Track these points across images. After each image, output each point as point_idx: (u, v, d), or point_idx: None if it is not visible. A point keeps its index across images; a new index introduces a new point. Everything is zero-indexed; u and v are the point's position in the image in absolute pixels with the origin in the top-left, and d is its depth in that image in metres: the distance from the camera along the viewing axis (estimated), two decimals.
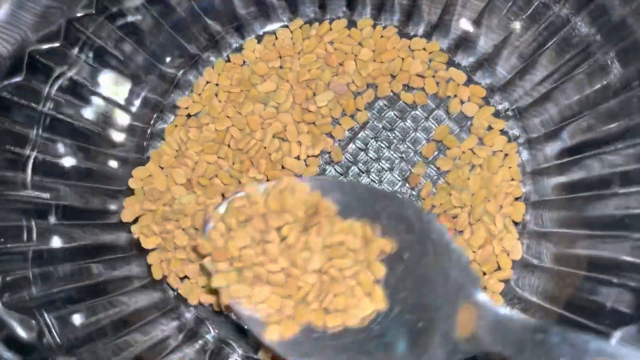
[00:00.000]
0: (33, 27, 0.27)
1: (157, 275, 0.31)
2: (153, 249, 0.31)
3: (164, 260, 0.31)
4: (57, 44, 0.28)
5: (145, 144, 0.34)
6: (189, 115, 0.34)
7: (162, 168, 0.33)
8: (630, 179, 0.27)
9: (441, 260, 0.25)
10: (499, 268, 0.31)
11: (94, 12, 0.28)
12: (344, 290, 0.26)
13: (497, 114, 0.33)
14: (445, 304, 0.24)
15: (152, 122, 0.34)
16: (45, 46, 0.28)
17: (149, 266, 0.31)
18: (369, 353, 0.25)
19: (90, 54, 0.30)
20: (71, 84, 0.30)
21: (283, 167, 0.33)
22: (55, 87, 0.29)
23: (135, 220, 0.32)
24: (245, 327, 0.29)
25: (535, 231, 0.31)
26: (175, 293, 0.32)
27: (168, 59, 0.34)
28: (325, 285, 0.26)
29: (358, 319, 0.26)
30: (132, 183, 0.32)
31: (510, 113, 0.33)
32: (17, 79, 0.27)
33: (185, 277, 0.32)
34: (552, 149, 0.31)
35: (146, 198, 0.32)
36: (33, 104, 0.28)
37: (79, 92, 0.30)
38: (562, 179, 0.31)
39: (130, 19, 0.31)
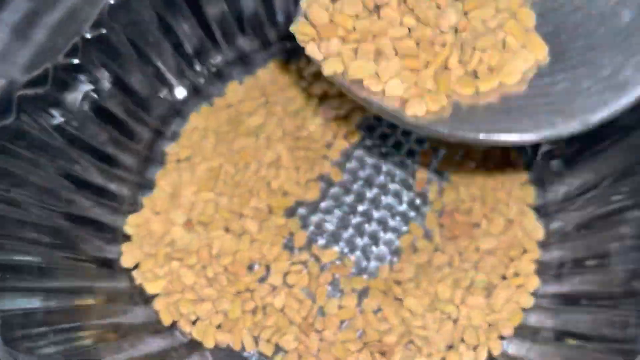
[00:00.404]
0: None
1: (166, 321, 0.28)
2: (158, 294, 0.29)
3: (172, 303, 0.29)
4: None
5: (137, 195, 0.32)
6: (178, 161, 0.33)
7: (157, 213, 0.31)
8: None
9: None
10: (525, 251, 0.30)
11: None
12: (493, 44, 0.21)
13: None
14: (614, 48, 0.21)
15: (142, 173, 0.33)
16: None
17: (155, 312, 0.29)
18: (532, 115, 0.21)
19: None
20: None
21: (285, 194, 0.32)
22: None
23: (136, 267, 0.29)
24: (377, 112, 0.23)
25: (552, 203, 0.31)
26: (189, 338, 0.29)
27: (152, 109, 0.34)
28: (468, 43, 0.21)
29: (517, 75, 0.21)
30: (127, 229, 0.30)
31: None
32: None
33: (197, 319, 0.29)
34: None
35: (145, 242, 0.30)
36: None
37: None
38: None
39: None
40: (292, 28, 0.23)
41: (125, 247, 0.30)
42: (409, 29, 0.22)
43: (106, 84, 0.31)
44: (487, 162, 0.32)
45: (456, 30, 0.22)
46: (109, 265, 0.29)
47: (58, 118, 0.29)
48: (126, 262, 0.29)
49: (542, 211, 0.31)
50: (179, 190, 0.31)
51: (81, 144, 0.30)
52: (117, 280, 0.29)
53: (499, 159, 0.32)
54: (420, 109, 0.21)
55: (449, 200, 0.31)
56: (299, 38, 0.23)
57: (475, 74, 0.22)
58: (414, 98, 0.21)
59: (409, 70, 0.21)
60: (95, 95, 0.31)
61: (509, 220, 0.30)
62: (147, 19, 0.32)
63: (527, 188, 0.31)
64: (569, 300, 0.27)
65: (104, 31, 0.30)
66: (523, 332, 0.28)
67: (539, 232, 0.30)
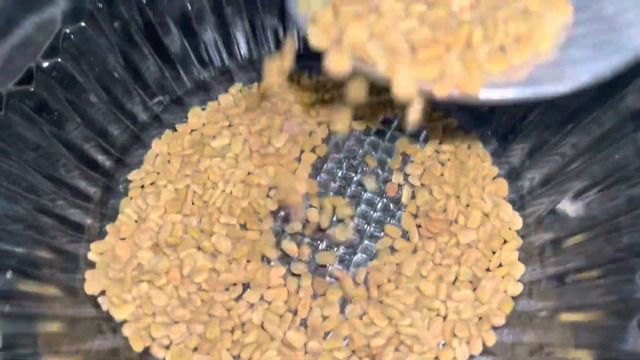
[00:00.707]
0: None
1: (137, 347, 0.26)
2: (126, 320, 0.27)
3: (142, 328, 0.27)
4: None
5: (100, 224, 0.31)
6: (143, 187, 0.32)
7: (122, 239, 0.30)
8: None
9: None
10: (505, 242, 0.29)
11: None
12: (515, 13, 0.20)
13: (448, 114, 0.34)
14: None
15: (105, 202, 0.31)
16: None
17: (125, 338, 0.26)
18: (557, 77, 0.20)
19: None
20: None
21: (256, 210, 0.31)
22: None
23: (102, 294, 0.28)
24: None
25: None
26: None
27: (113, 138, 0.33)
28: (488, 17, 0.20)
29: (549, 40, 0.21)
30: (91, 256, 0.29)
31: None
32: None
33: (171, 343, 0.27)
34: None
35: (110, 268, 0.28)
36: None
37: None
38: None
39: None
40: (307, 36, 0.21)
41: (88, 274, 0.28)
42: (420, 16, 0.20)
43: (65, 113, 0.30)
44: (456, 162, 0.32)
45: (471, 7, 0.21)
46: (74, 293, 0.27)
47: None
48: (90, 289, 0.27)
49: (516, 202, 0.31)
50: (145, 215, 0.30)
51: (43, 173, 0.29)
52: (82, 307, 0.27)
53: (467, 158, 0.32)
54: (454, 88, 0.20)
55: (422, 201, 0.31)
56: (316, 42, 0.21)
57: (502, 48, 0.20)
58: (445, 78, 0.20)
59: (431, 61, 0.20)
60: (52, 126, 0.30)
61: (485, 213, 0.30)
62: (105, 49, 0.31)
63: (499, 182, 0.31)
64: (556, 280, 0.27)
65: (59, 59, 0.30)
66: (516, 318, 0.27)
67: (518, 222, 0.30)
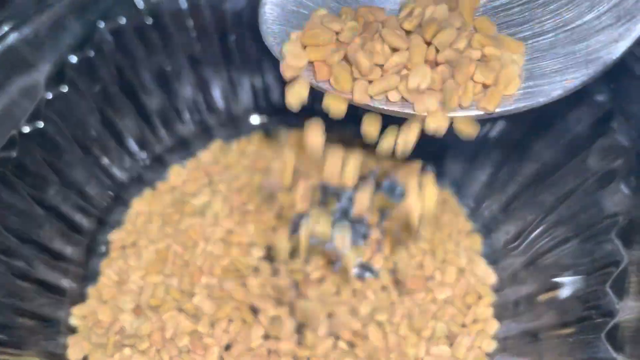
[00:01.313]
0: None
1: None
2: None
3: None
4: None
5: (81, 287, 0.31)
6: (124, 247, 0.32)
7: (104, 302, 0.30)
8: None
9: None
10: (480, 297, 0.30)
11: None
12: (474, 67, 0.22)
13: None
14: None
15: (85, 264, 0.32)
16: None
17: None
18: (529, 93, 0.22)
19: None
20: None
21: (237, 269, 0.31)
22: None
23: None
24: None
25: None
26: None
27: (93, 199, 0.33)
28: (452, 79, 0.22)
29: (516, 81, 0.22)
30: (73, 320, 0.29)
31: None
32: None
33: None
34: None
35: (92, 332, 0.28)
36: None
37: None
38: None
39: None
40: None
41: (71, 339, 0.28)
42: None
43: (45, 176, 0.31)
44: (432, 218, 0.33)
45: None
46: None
47: None
48: (73, 354, 0.27)
49: (490, 257, 0.32)
50: (126, 277, 0.30)
51: (22, 237, 0.29)
52: None
53: (442, 213, 0.33)
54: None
55: (397, 258, 0.32)
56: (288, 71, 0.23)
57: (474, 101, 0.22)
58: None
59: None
60: (32, 189, 0.30)
61: (460, 269, 0.31)
62: (86, 111, 0.32)
63: (473, 236, 0.32)
64: (530, 337, 0.27)
65: (41, 125, 0.30)
66: None
67: (491, 277, 0.31)
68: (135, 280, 0.30)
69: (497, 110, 0.22)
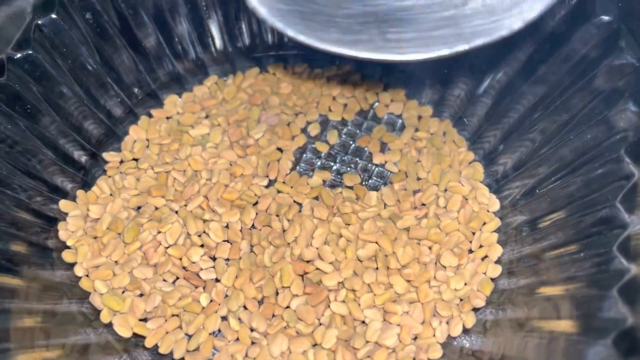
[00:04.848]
0: None
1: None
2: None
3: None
4: None
5: None
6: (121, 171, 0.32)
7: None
8: None
9: None
10: (484, 223, 0.30)
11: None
12: None
13: (421, 104, 0.35)
14: None
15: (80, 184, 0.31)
16: None
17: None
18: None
19: None
20: None
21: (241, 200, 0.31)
22: None
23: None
24: None
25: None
26: None
27: (87, 131, 0.32)
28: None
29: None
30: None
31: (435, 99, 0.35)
32: None
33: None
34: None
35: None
36: None
37: None
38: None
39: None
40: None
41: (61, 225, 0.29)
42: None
43: (37, 106, 0.29)
44: (432, 149, 0.33)
45: None
46: (51, 288, 0.27)
47: None
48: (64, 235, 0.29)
49: (492, 186, 0.31)
50: (119, 194, 0.31)
51: (19, 168, 0.28)
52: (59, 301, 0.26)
53: (443, 144, 0.33)
54: None
55: (399, 186, 0.31)
56: None
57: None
58: None
59: None
60: (27, 120, 0.29)
61: (464, 197, 0.30)
62: (77, 40, 0.31)
63: (475, 166, 0.32)
64: (534, 258, 0.27)
65: (30, 51, 0.29)
66: (497, 298, 0.27)
67: (495, 204, 0.30)
68: (127, 198, 0.30)
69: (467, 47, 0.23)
